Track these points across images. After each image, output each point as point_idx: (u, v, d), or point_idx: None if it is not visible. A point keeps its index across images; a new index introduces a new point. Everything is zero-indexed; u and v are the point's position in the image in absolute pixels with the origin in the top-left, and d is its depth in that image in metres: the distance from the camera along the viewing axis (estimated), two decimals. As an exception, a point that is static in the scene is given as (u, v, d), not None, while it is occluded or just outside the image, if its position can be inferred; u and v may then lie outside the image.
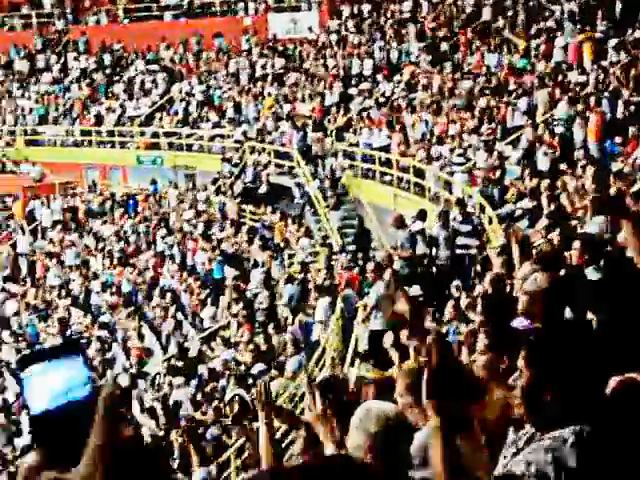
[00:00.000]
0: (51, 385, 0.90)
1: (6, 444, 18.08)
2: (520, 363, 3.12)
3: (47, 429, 0.89)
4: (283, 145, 26.10)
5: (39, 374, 0.90)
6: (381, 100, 25.46)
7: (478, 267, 13.37)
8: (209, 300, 21.26)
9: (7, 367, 22.27)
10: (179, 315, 20.98)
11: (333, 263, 19.41)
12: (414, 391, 4.19)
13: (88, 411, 0.93)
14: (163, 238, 24.67)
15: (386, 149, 22.86)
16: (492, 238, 15.31)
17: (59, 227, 27.87)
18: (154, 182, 28.46)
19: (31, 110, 35.08)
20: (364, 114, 24.77)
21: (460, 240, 16.01)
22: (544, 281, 5.70)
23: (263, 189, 25.15)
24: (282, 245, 22.05)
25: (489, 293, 8.00)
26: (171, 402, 15.52)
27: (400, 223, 16.37)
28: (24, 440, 17.57)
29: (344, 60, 28.46)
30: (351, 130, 25.18)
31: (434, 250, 16.27)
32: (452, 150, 20.50)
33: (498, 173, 18.29)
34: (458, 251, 15.97)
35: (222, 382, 15.68)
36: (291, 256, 21.30)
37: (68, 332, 22.77)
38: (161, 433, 13.56)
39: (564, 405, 2.97)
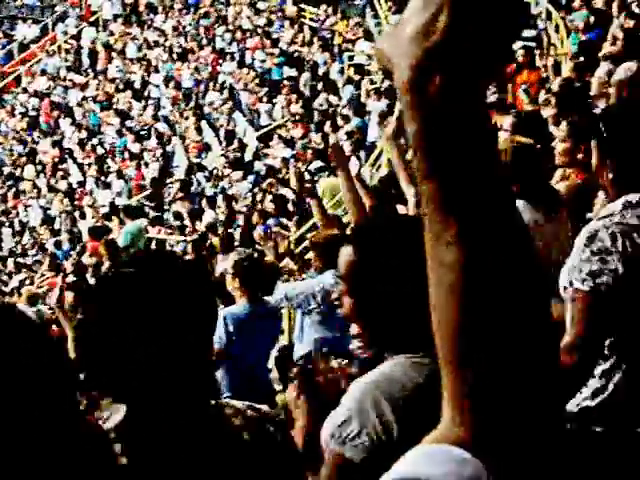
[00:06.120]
0: None
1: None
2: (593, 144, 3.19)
3: None
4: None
5: None
6: None
7: None
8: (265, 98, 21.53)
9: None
10: (237, 112, 21.37)
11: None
12: None
13: None
14: (222, 35, 24.69)
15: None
16: None
17: (120, 20, 27.91)
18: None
19: None
20: None
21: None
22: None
23: (323, -12, 24.78)
24: (342, 47, 22.03)
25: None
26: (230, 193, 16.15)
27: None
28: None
29: None
30: None
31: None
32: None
33: None
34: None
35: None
36: (350, 58, 21.33)
37: (128, 124, 23.37)
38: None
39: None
